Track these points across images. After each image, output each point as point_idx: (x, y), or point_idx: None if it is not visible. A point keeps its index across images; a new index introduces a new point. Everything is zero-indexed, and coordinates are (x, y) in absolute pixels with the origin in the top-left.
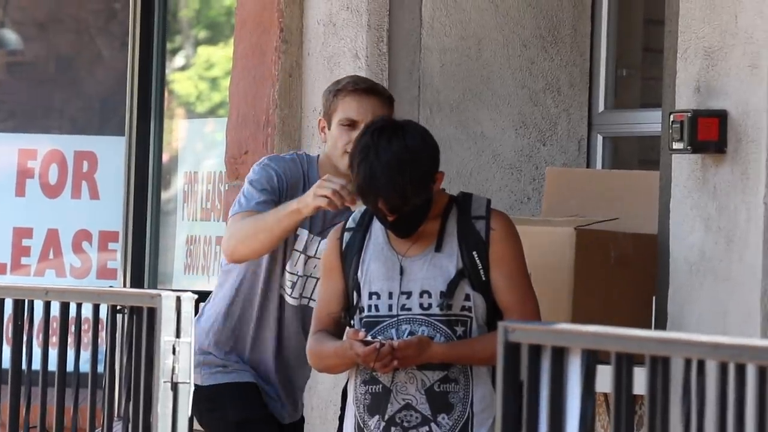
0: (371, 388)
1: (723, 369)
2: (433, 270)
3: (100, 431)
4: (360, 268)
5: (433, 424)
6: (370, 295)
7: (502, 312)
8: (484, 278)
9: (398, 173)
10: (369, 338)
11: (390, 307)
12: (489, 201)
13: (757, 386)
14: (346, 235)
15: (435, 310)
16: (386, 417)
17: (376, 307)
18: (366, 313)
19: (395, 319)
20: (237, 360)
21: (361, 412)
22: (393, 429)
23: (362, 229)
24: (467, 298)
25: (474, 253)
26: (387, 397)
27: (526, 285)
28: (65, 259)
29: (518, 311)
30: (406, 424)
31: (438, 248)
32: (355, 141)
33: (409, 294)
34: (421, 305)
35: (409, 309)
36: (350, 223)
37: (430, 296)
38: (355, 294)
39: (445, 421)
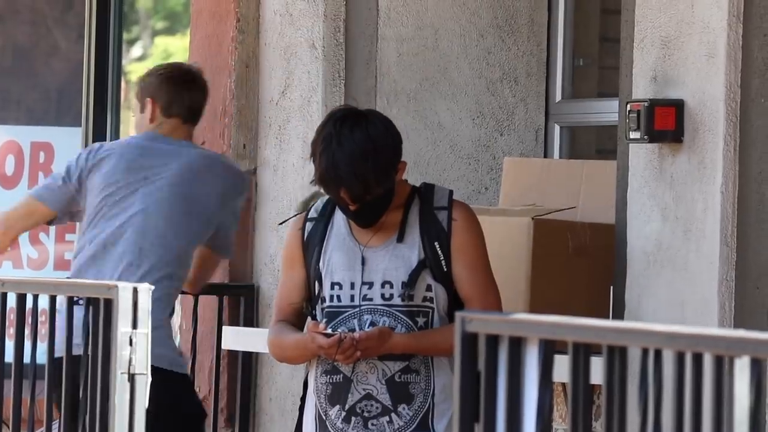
0: (332, 378)
1: (680, 358)
2: (395, 260)
3: (57, 423)
4: (322, 258)
5: (393, 414)
6: (332, 285)
7: (464, 303)
8: (445, 269)
9: (361, 162)
10: (329, 330)
11: (352, 298)
12: (451, 192)
13: (714, 375)
14: (308, 225)
15: (396, 300)
16: (347, 407)
17: (338, 297)
18: (328, 303)
19: (357, 309)
20: None
21: (322, 402)
22: (353, 419)
23: (324, 219)
24: (429, 288)
25: (436, 243)
26: (347, 387)
27: (487, 276)
28: (22, 251)
29: (480, 302)
30: (366, 414)
31: (400, 239)
32: (317, 130)
33: (370, 284)
34: (382, 296)
35: (371, 299)
36: (312, 213)
37: (391, 287)
38: (316, 284)
39: (406, 411)
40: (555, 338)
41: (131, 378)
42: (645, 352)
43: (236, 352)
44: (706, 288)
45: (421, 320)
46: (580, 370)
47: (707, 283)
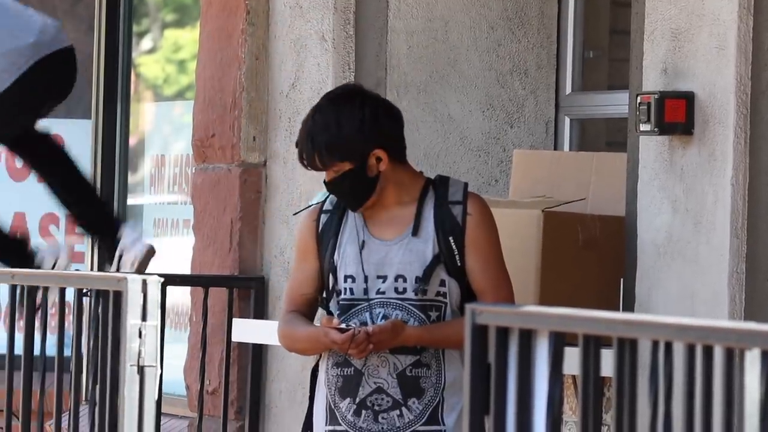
0: (343, 371)
1: (690, 351)
2: (409, 254)
3: (67, 415)
4: (336, 251)
5: (403, 408)
6: (345, 278)
7: (477, 297)
8: (459, 263)
9: (321, 129)
10: (343, 326)
11: (365, 291)
12: (466, 185)
13: (724, 368)
14: (323, 218)
15: (410, 294)
16: (357, 400)
17: (351, 290)
18: (342, 296)
19: (370, 302)
20: None
21: (333, 394)
22: (364, 412)
23: (339, 212)
24: (442, 283)
25: (450, 238)
26: (359, 380)
27: (501, 270)
28: (32, 243)
29: (492, 296)
30: (377, 408)
31: (414, 232)
32: None
33: (384, 278)
34: (395, 289)
35: (384, 293)
36: (327, 206)
37: (405, 281)
38: (330, 277)
39: (416, 405)
40: (565, 330)
41: (140, 370)
42: (655, 344)
43: (246, 344)
44: (716, 280)
45: (433, 314)
46: (591, 362)
47: (717, 275)
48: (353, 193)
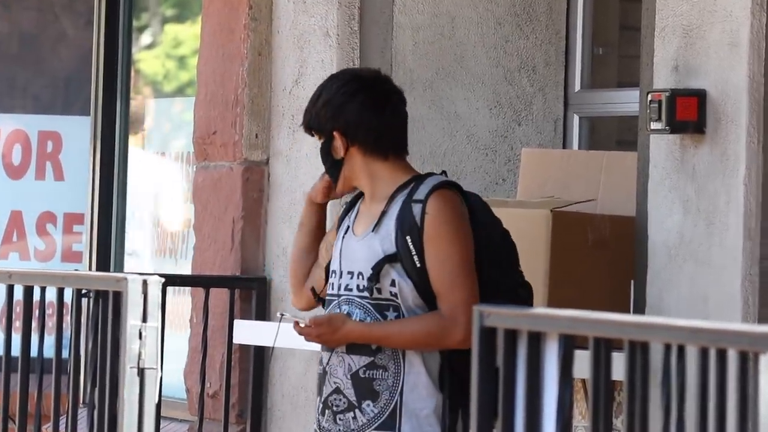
0: (318, 368)
1: (703, 354)
2: (366, 251)
3: (65, 418)
4: (335, 244)
5: (357, 411)
6: (331, 272)
7: (436, 298)
8: (419, 264)
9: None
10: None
11: (340, 287)
12: (438, 184)
13: (738, 371)
14: (342, 210)
15: (366, 293)
16: (322, 399)
17: (332, 285)
18: (328, 290)
19: (339, 299)
20: None
21: (316, 390)
22: (327, 411)
23: (348, 206)
24: (393, 283)
25: (408, 237)
26: (324, 379)
27: (458, 271)
28: (29, 242)
29: (446, 298)
30: (335, 408)
31: (374, 229)
32: None
33: (352, 274)
34: (357, 287)
35: (351, 290)
36: (347, 197)
37: (362, 278)
38: None
39: (370, 408)
40: (575, 333)
41: (141, 372)
42: (667, 347)
43: (248, 346)
44: (729, 282)
45: (391, 314)
46: (601, 365)
47: (730, 277)
48: (325, 168)
